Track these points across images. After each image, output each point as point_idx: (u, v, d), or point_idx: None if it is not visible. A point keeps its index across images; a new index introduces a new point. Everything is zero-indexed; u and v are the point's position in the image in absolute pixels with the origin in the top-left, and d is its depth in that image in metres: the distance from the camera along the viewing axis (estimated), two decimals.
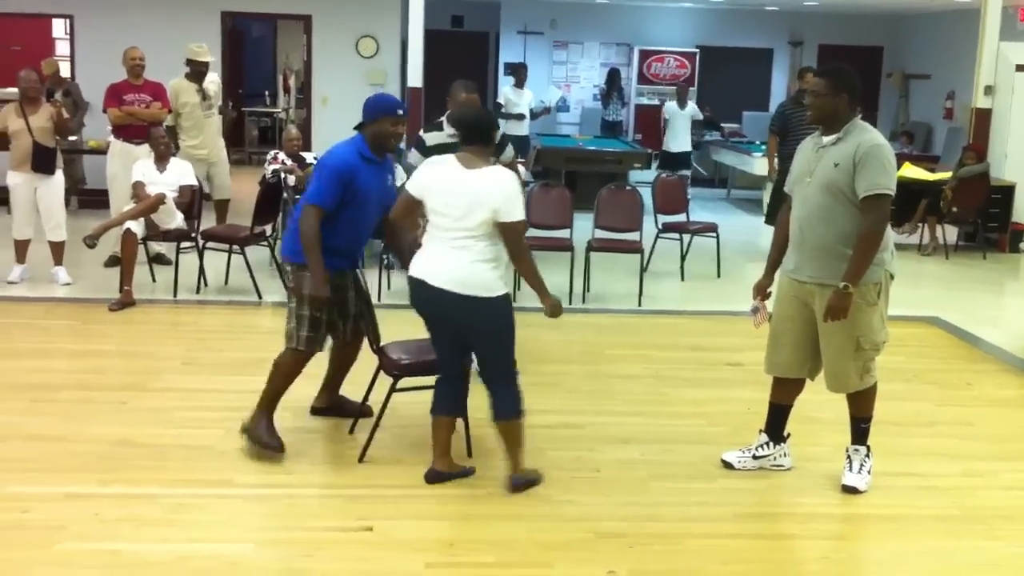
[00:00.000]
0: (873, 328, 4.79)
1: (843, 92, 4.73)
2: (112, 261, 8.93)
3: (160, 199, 7.99)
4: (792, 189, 4.97)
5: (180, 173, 8.39)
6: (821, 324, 4.80)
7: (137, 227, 7.92)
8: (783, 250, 5.02)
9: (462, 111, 5.60)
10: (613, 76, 16.90)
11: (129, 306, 7.78)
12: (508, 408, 4.77)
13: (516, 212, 4.57)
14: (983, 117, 12.08)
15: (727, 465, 5.20)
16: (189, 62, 9.66)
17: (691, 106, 14.21)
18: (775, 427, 5.21)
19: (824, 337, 4.84)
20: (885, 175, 4.62)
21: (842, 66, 4.89)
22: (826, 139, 4.79)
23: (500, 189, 4.56)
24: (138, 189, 8.13)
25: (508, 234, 4.60)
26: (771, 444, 5.20)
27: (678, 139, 13.99)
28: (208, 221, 9.28)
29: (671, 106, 14.17)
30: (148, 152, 8.66)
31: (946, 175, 11.77)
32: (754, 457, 5.21)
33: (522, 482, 4.85)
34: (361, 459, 5.06)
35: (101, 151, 10.21)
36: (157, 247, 8.95)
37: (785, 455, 5.22)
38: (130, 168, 8.61)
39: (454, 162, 4.68)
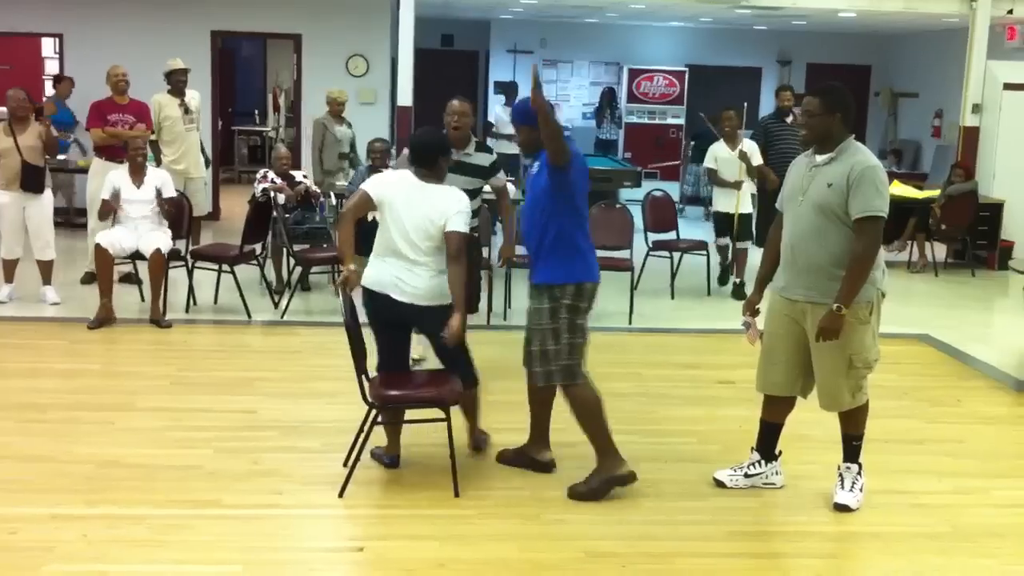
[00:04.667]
0: (865, 346, 4.79)
1: (837, 111, 4.72)
2: (88, 278, 8.93)
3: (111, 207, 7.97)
4: (784, 207, 4.97)
5: (158, 185, 8.13)
6: (813, 343, 4.80)
7: (107, 243, 7.84)
8: (774, 266, 5.02)
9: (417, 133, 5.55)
10: (608, 95, 16.95)
11: (108, 323, 7.73)
12: (471, 377, 5.24)
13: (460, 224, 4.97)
14: (971, 135, 12.14)
15: (719, 484, 5.19)
16: (168, 76, 9.80)
17: (747, 144, 9.48)
18: (767, 445, 5.20)
19: (816, 356, 4.84)
20: (879, 197, 4.63)
21: (836, 85, 4.88)
22: (819, 158, 4.78)
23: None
24: (104, 207, 8.04)
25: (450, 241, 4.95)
26: (763, 462, 5.19)
27: (731, 194, 9.53)
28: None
29: (718, 149, 9.61)
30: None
31: (934, 193, 11.81)
32: (746, 475, 5.20)
33: (485, 440, 5.49)
34: (345, 486, 4.95)
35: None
36: (126, 267, 8.81)
37: (777, 473, 5.21)
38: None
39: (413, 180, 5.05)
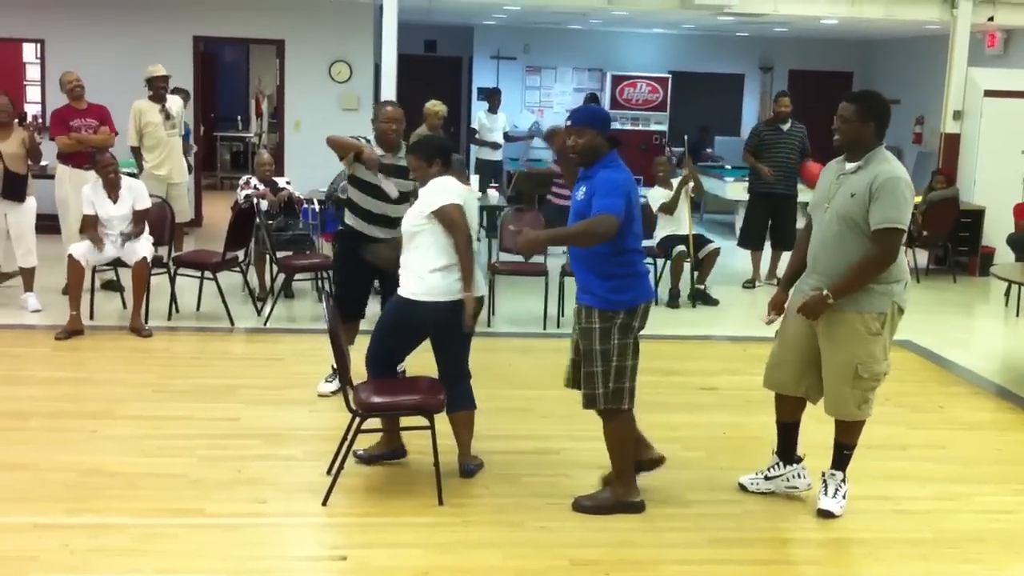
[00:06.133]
0: (875, 357, 4.77)
1: (871, 120, 4.68)
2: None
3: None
4: (812, 213, 4.96)
5: (133, 199, 8.08)
6: (823, 347, 4.82)
7: (80, 255, 7.78)
8: (800, 267, 4.98)
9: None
10: (591, 101, 17.02)
11: (76, 334, 7.67)
12: (472, 398, 5.30)
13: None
14: (952, 142, 12.21)
15: (742, 487, 5.20)
16: (149, 82, 9.79)
17: (675, 183, 9.84)
18: (784, 446, 5.18)
19: (824, 360, 4.84)
20: (897, 209, 4.59)
21: (873, 92, 4.85)
22: (849, 166, 4.75)
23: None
24: (87, 223, 7.97)
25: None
26: (782, 464, 5.19)
27: (673, 220, 9.85)
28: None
29: (655, 195, 9.90)
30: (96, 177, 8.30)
31: (916, 199, 11.85)
32: (766, 478, 5.20)
33: (474, 466, 5.29)
34: (328, 494, 4.93)
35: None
36: (108, 274, 8.77)
37: (799, 476, 5.18)
38: (80, 193, 8.25)
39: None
